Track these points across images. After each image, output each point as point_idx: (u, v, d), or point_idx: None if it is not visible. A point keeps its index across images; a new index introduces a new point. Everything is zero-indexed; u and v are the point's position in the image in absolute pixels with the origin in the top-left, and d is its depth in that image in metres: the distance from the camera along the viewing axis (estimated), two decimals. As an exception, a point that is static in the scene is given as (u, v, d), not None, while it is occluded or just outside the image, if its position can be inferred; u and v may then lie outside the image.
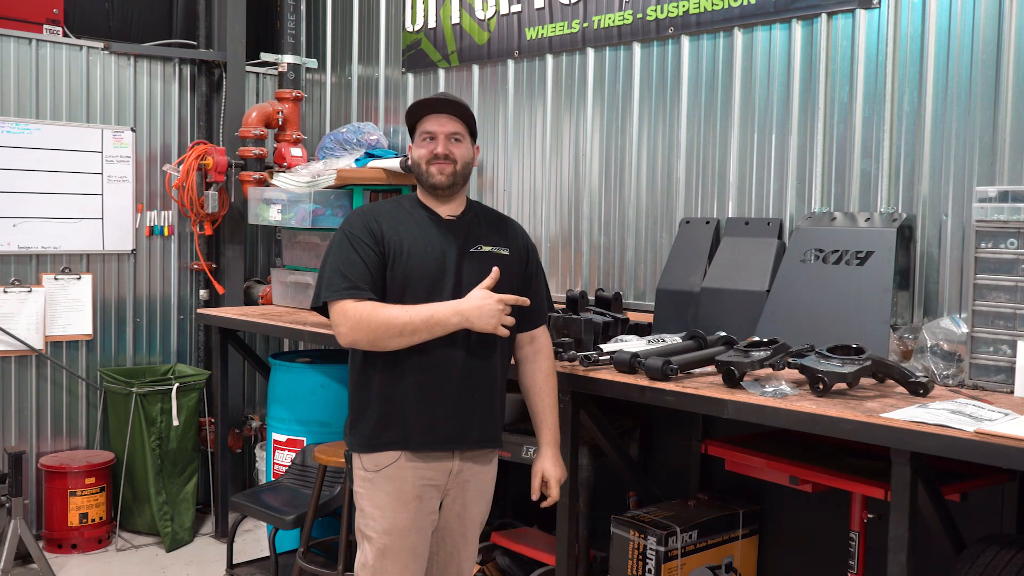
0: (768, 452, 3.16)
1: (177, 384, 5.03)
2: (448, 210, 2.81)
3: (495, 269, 2.68)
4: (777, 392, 2.72)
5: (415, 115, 2.81)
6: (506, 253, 2.82)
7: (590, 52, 4.33)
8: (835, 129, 3.55)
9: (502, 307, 2.62)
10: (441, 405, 2.70)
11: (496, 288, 2.66)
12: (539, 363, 2.92)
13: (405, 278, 2.68)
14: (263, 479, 5.16)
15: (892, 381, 2.84)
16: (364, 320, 2.59)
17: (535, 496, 2.92)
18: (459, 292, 2.68)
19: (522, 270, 2.88)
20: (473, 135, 2.84)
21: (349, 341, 2.65)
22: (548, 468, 2.88)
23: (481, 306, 2.61)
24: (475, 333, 2.67)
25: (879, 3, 3.40)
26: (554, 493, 2.91)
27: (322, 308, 2.72)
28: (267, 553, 4.47)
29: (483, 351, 2.73)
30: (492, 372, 2.78)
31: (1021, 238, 2.83)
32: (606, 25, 4.24)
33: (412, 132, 2.84)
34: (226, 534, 4.75)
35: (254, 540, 5.16)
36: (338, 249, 2.71)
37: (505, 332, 2.65)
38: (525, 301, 2.72)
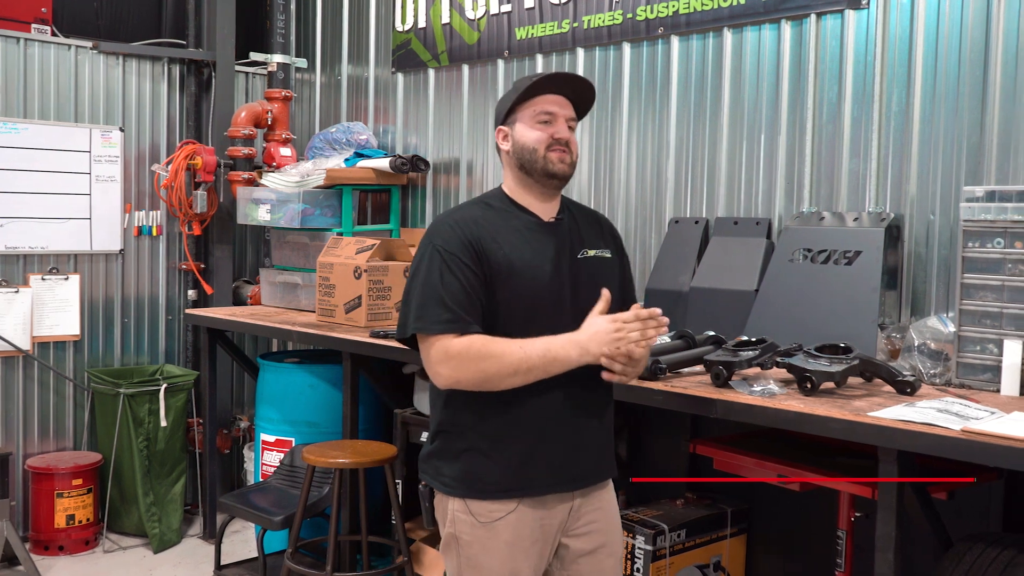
0: (756, 451, 3.16)
1: (165, 385, 5.02)
2: (548, 211, 2.45)
3: (605, 292, 2.32)
4: (765, 391, 2.72)
5: (527, 93, 2.40)
6: (609, 256, 2.52)
7: (580, 52, 4.33)
8: (824, 129, 3.55)
9: (618, 326, 2.25)
10: (562, 445, 2.38)
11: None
12: None
13: (521, 300, 2.33)
14: (251, 480, 5.14)
15: (880, 380, 2.84)
16: (472, 359, 2.23)
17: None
18: (577, 306, 2.35)
19: (620, 265, 2.59)
20: None
21: (451, 382, 2.28)
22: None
23: (598, 332, 2.25)
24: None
25: (868, 3, 3.41)
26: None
27: (410, 339, 2.35)
28: (255, 554, 4.45)
29: (593, 379, 2.35)
30: (605, 399, 2.50)
31: (1008, 238, 2.84)
32: (596, 25, 4.24)
33: (508, 114, 2.44)
34: (214, 535, 4.73)
35: (242, 541, 5.14)
36: (430, 269, 2.29)
37: (639, 350, 2.27)
38: (638, 314, 2.28)
